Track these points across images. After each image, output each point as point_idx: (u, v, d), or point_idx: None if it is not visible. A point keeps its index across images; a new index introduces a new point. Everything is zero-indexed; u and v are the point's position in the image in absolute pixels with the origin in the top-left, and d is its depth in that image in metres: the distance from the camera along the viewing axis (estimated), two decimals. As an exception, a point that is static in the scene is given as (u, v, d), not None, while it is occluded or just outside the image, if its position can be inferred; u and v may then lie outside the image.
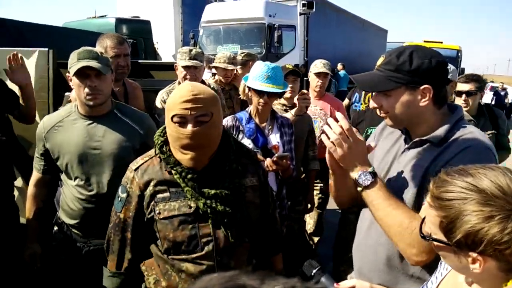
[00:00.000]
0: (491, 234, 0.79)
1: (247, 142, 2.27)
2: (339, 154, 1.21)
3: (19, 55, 2.31)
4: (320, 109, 3.38)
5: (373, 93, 1.34)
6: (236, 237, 1.41)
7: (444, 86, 1.32)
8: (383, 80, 1.27)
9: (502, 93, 19.08)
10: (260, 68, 2.29)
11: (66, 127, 1.90)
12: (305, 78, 2.92)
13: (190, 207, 1.38)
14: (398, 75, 1.24)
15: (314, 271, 1.30)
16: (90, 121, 1.90)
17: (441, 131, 1.27)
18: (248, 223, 1.47)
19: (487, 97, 23.90)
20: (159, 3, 12.13)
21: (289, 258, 2.00)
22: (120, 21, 9.97)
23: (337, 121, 1.23)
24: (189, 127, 1.30)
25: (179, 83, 2.79)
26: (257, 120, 2.37)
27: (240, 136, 2.32)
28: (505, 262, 0.81)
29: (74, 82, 1.84)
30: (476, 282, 0.91)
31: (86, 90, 1.81)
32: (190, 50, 2.75)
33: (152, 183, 1.41)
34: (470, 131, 1.27)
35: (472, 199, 0.82)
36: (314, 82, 3.38)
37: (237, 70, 3.83)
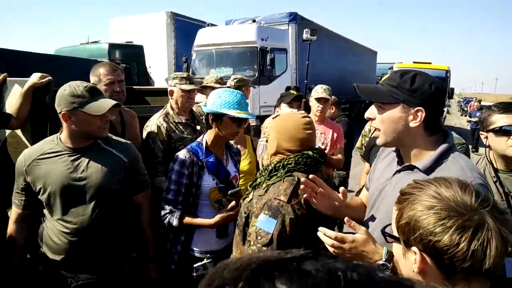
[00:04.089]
0: (426, 223, 0.84)
1: (210, 178, 2.10)
2: (346, 256, 1.23)
3: None
4: (321, 133, 3.38)
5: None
6: None
7: (439, 114, 1.33)
8: (382, 93, 1.32)
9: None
10: (233, 95, 2.06)
11: (49, 160, 1.84)
12: (303, 100, 2.95)
13: None
14: (398, 91, 1.29)
15: None
16: (75, 153, 1.86)
17: (427, 159, 1.28)
18: None
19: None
20: (152, 28, 12.28)
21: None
22: (113, 46, 10.02)
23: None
24: None
25: (171, 107, 2.80)
26: (214, 152, 2.16)
27: (201, 172, 2.10)
28: (443, 266, 0.83)
29: (84, 117, 1.78)
30: None
31: (100, 123, 1.84)
32: (188, 75, 2.86)
33: None
34: (460, 165, 1.24)
35: (427, 190, 0.89)
36: (315, 107, 3.39)
37: None
